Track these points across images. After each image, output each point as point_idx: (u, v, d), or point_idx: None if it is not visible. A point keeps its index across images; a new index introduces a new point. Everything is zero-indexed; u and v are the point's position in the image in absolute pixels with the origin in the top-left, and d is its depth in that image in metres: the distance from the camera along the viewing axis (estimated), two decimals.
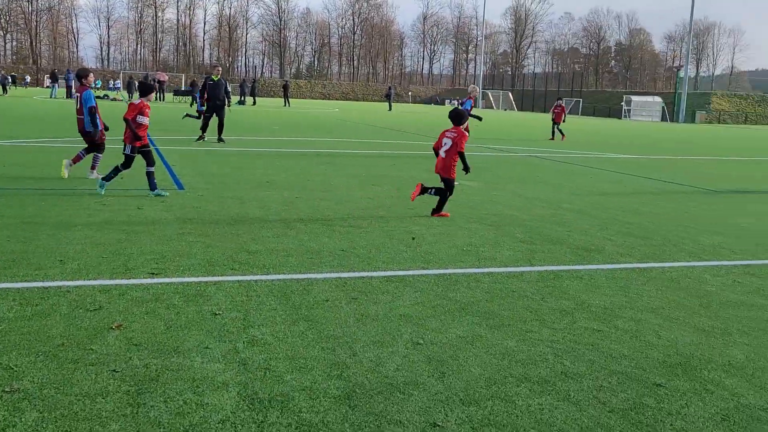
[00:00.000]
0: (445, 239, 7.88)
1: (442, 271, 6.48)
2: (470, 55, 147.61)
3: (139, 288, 5.53)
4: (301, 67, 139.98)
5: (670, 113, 74.97)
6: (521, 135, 32.13)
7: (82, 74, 11.42)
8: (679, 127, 58.52)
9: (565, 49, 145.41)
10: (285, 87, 59.84)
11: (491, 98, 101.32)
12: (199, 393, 3.71)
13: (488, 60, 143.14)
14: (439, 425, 3.49)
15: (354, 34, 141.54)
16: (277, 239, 7.48)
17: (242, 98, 57.04)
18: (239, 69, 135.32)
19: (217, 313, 5.00)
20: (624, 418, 3.65)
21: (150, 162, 9.98)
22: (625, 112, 76.80)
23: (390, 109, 59.98)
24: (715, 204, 11.73)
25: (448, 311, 5.31)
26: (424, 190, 9.36)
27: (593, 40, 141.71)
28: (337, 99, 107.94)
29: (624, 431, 3.52)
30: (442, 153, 9.54)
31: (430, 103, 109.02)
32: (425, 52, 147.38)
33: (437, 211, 9.35)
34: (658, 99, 79.14)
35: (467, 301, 5.59)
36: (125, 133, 9.97)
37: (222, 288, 5.64)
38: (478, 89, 19.76)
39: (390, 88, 67.72)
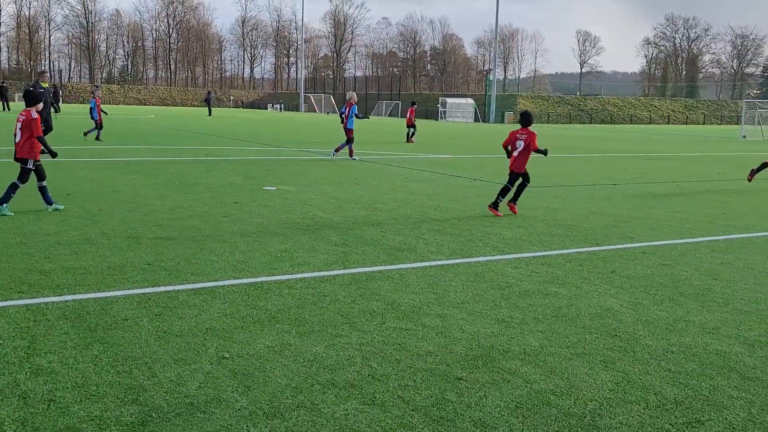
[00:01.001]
0: (259, 246, 7.72)
1: (253, 280, 6.32)
2: (291, 59, 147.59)
3: None
4: (113, 71, 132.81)
5: (481, 114, 79.27)
6: (340, 137, 32.49)
7: None
8: (490, 127, 62.05)
9: (384, 53, 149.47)
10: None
11: (313, 102, 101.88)
12: None
13: (309, 64, 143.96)
14: None
15: (169, 37, 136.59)
16: (75, 256, 6.95)
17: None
18: None
19: None
20: (426, 416, 3.72)
21: (42, 176, 9.47)
22: (441, 114, 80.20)
23: (210, 114, 58.45)
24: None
25: (258, 321, 5.17)
26: (498, 201, 10.54)
27: (410, 45, 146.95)
28: (154, 104, 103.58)
29: (426, 429, 3.58)
30: (515, 152, 10.65)
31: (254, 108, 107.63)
32: (246, 56, 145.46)
33: (514, 200, 10.68)
34: (470, 101, 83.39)
35: (278, 309, 5.49)
36: (24, 147, 9.29)
37: (5, 314, 5.12)
38: (355, 95, 20.71)
39: (209, 92, 65.96)
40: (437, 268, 7.03)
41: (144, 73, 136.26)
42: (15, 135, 9.45)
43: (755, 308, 5.89)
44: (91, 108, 23.68)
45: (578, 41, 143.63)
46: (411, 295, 6.02)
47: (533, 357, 4.63)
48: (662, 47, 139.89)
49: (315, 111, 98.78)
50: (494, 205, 10.55)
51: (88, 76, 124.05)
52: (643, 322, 5.45)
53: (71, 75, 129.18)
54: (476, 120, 78.64)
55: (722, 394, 4.10)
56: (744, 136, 45.86)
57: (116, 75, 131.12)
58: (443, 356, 4.59)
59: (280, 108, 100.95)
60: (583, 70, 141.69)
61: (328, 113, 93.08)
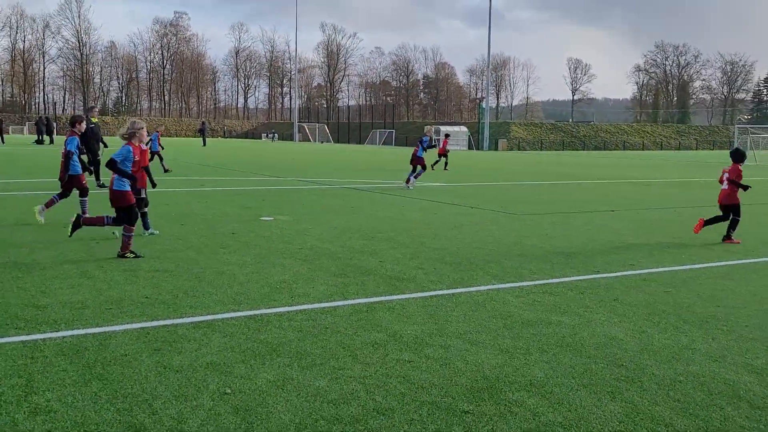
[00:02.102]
0: (258, 278, 7.66)
1: (253, 312, 6.25)
2: (285, 89, 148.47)
3: None
4: (107, 102, 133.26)
5: (475, 141, 79.62)
6: (338, 165, 32.56)
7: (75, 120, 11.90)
8: (484, 154, 62.29)
9: (377, 82, 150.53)
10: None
11: (307, 131, 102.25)
12: None
13: (303, 93, 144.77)
14: None
15: (163, 68, 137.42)
16: (71, 290, 6.87)
17: (40, 137, 53.21)
18: (37, 105, 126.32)
19: None
20: None
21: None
22: (435, 142, 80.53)
23: (204, 144, 58.55)
24: (515, 226, 12.45)
25: (258, 355, 5.10)
26: (709, 223, 11.07)
27: (402, 74, 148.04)
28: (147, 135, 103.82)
29: None
30: (723, 186, 11.16)
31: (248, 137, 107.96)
32: (239, 86, 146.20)
33: (728, 237, 10.92)
34: (464, 128, 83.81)
35: (278, 342, 5.42)
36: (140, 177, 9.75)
37: (2, 351, 5.03)
38: (431, 128, 22.58)
39: (203, 123, 66.17)
40: (438, 298, 6.97)
41: (138, 104, 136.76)
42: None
43: (760, 335, 5.84)
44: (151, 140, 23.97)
45: (569, 69, 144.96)
46: (413, 325, 5.95)
47: (539, 388, 4.56)
48: (653, 74, 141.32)
49: (309, 140, 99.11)
50: (708, 221, 11.13)
51: (82, 107, 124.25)
52: (648, 351, 5.39)
53: (65, 107, 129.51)
54: (470, 148, 78.96)
55: (733, 425, 4.03)
56: None
57: (110, 106, 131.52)
58: (448, 389, 4.52)
59: (274, 138, 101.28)
60: (575, 97, 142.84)
61: (322, 142, 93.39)
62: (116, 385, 4.43)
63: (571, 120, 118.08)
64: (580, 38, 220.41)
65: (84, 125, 12.15)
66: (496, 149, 77.41)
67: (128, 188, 8.61)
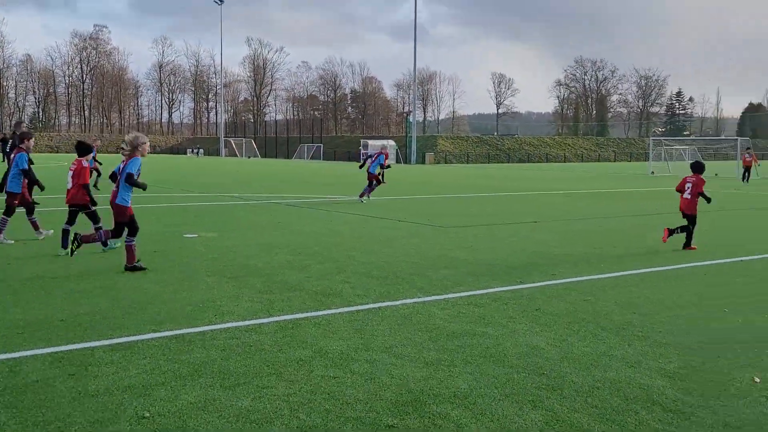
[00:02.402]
0: (180, 297, 7.49)
1: (175, 333, 6.10)
2: (211, 104, 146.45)
3: None
4: (23, 118, 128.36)
5: (403, 155, 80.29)
6: (265, 180, 32.25)
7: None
8: (411, 168, 62.85)
9: (305, 97, 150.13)
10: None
11: (234, 146, 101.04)
12: None
13: (229, 108, 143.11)
14: None
15: (83, 82, 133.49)
16: None
17: None
18: None
19: None
20: None
21: (96, 220, 10.59)
22: (363, 156, 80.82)
23: None
24: (441, 239, 12.59)
25: (180, 376, 4.97)
26: (671, 232, 11.50)
27: (330, 88, 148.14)
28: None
29: None
30: (686, 195, 11.62)
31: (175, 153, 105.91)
32: (163, 101, 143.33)
33: (687, 245, 11.42)
34: (392, 142, 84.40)
35: (201, 362, 5.30)
36: (77, 194, 10.30)
37: None
38: (388, 145, 22.59)
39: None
40: (364, 313, 6.96)
41: (56, 120, 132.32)
42: (68, 182, 10.42)
43: (672, 340, 6.07)
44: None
45: (494, 83, 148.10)
46: (338, 341, 5.93)
47: (463, 400, 4.61)
48: (573, 88, 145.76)
49: (236, 155, 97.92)
50: (672, 230, 11.59)
51: None
52: (568, 358, 5.53)
53: None
54: (398, 161, 79.55)
55: (648, 428, 4.17)
56: (652, 172, 47.98)
57: (26, 122, 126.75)
58: (373, 403, 4.51)
59: (200, 153, 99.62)
60: (500, 110, 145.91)
61: (249, 157, 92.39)
62: (28, 413, 4.24)
63: (496, 133, 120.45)
64: (503, 53, 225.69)
65: (32, 141, 11.61)
66: (423, 163, 78.22)
67: (130, 203, 9.02)
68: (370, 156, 21.88)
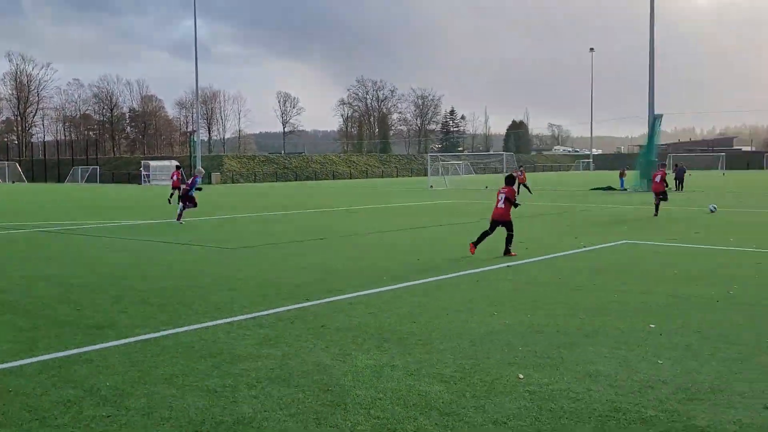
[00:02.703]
0: None
1: None
2: None
3: None
4: None
5: (188, 175, 77.91)
6: (30, 207, 29.58)
7: None
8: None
9: (77, 116, 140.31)
10: None
11: None
12: None
13: None
14: None
15: None
16: None
17: None
18: None
19: None
20: None
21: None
22: (144, 177, 77.19)
23: None
24: (227, 260, 12.32)
25: None
26: (478, 243, 12.61)
27: (106, 107, 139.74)
28: None
29: None
30: (500, 205, 12.80)
31: None
32: None
33: (507, 252, 12.50)
34: (175, 162, 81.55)
35: None
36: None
37: None
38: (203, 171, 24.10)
39: None
40: (142, 343, 6.58)
41: None
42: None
43: (449, 346, 6.40)
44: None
45: (279, 102, 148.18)
46: (112, 376, 5.53)
47: (246, 426, 4.49)
48: (356, 107, 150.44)
49: None
50: (475, 244, 12.62)
51: None
52: (352, 372, 5.61)
53: None
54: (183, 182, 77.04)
55: None
56: (431, 186, 50.81)
57: None
58: None
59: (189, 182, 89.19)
60: (286, 129, 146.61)
61: (14, 182, 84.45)
62: None
63: (283, 152, 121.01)
64: (287, 72, 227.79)
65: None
66: (210, 183, 76.44)
67: None
68: (187, 181, 22.31)
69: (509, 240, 12.68)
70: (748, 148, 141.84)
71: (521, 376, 5.45)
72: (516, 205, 13.04)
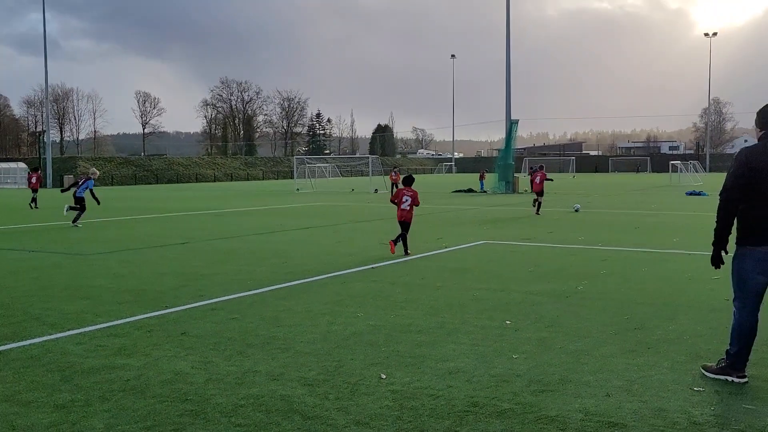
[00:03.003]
0: None
1: None
2: None
3: None
4: None
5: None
6: None
7: None
8: (47, 192, 57.53)
9: None
10: None
11: None
12: None
13: None
14: None
15: None
16: None
17: None
18: None
19: None
20: None
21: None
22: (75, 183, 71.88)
23: None
24: (81, 268, 11.67)
25: None
26: (396, 242, 12.96)
27: None
28: None
29: None
30: (405, 206, 13.23)
31: None
32: None
33: (406, 249, 12.99)
34: (22, 165, 76.43)
35: None
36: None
37: None
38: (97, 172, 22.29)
39: None
40: None
41: None
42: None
43: (313, 349, 6.38)
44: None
45: (138, 102, 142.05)
46: None
47: None
48: (220, 108, 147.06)
49: None
50: (395, 241, 12.98)
51: None
52: (214, 380, 5.47)
53: None
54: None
55: None
56: (298, 189, 50.59)
57: None
58: None
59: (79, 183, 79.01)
60: (146, 130, 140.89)
61: None
62: None
63: (143, 154, 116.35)
64: (145, 71, 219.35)
65: None
66: (61, 186, 72.20)
67: None
68: (76, 183, 21.32)
69: (404, 238, 13.09)
70: (595, 153, 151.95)
71: (384, 376, 5.52)
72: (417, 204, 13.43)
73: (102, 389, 5.26)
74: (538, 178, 24.31)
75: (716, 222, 5.37)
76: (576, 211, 24.29)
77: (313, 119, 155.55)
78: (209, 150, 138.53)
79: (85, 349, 6.40)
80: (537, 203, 23.81)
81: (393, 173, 39.94)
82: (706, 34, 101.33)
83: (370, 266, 11.60)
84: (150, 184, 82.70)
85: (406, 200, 13.29)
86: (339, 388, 5.25)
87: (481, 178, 47.78)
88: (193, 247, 14.58)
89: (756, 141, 5.40)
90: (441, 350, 6.30)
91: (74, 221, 20.05)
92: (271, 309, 8.19)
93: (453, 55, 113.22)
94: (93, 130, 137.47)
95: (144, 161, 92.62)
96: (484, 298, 8.75)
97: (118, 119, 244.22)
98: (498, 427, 4.47)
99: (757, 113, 5.38)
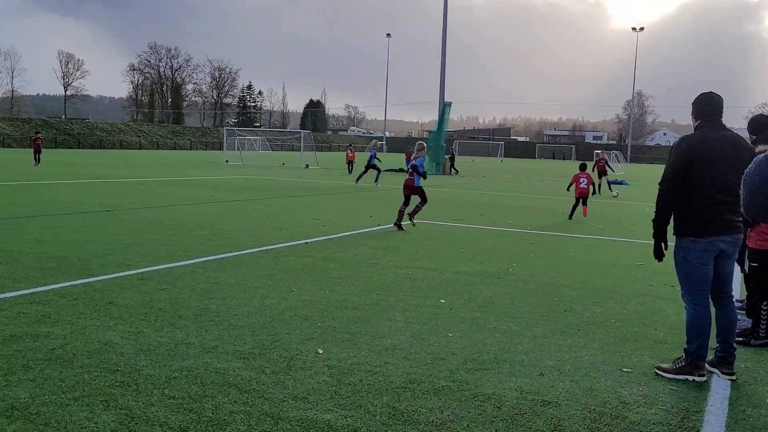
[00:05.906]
0: None
1: None
2: None
3: None
4: None
5: None
6: None
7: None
8: None
9: None
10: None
11: None
12: None
13: None
14: None
15: None
16: None
17: None
18: None
19: None
20: None
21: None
22: None
23: None
24: None
25: None
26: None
27: None
28: None
29: None
30: (582, 185, 16.99)
31: None
32: None
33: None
34: None
35: None
36: None
37: None
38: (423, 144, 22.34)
39: None
40: None
41: None
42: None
43: (247, 322, 6.28)
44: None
45: (61, 63, 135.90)
46: None
47: (22, 411, 4.08)
48: (147, 74, 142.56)
49: None
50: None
51: None
52: (144, 351, 5.31)
53: None
54: None
55: (223, 412, 4.20)
56: (227, 161, 49.68)
57: None
58: None
59: None
60: (68, 93, 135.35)
61: None
62: None
63: (64, 116, 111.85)
64: (69, 31, 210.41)
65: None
66: None
67: None
68: None
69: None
70: (523, 139, 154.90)
71: (320, 351, 5.48)
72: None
73: (25, 358, 5.03)
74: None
75: (656, 213, 5.17)
76: (615, 196, 26.73)
77: (244, 91, 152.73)
78: (135, 116, 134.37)
79: (5, 316, 6.11)
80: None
81: (349, 151, 39.73)
82: (634, 29, 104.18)
83: (303, 241, 11.50)
84: (71, 148, 79.78)
85: (583, 181, 16.94)
86: (275, 362, 5.18)
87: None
88: (118, 215, 14.13)
89: (676, 134, 5.40)
90: (377, 327, 6.29)
91: None
92: (202, 281, 8.01)
93: (388, 34, 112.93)
94: (10, 89, 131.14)
95: (65, 124, 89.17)
96: (418, 277, 8.80)
97: (37, 80, 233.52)
98: (436, 403, 4.50)
99: (692, 104, 5.41)
